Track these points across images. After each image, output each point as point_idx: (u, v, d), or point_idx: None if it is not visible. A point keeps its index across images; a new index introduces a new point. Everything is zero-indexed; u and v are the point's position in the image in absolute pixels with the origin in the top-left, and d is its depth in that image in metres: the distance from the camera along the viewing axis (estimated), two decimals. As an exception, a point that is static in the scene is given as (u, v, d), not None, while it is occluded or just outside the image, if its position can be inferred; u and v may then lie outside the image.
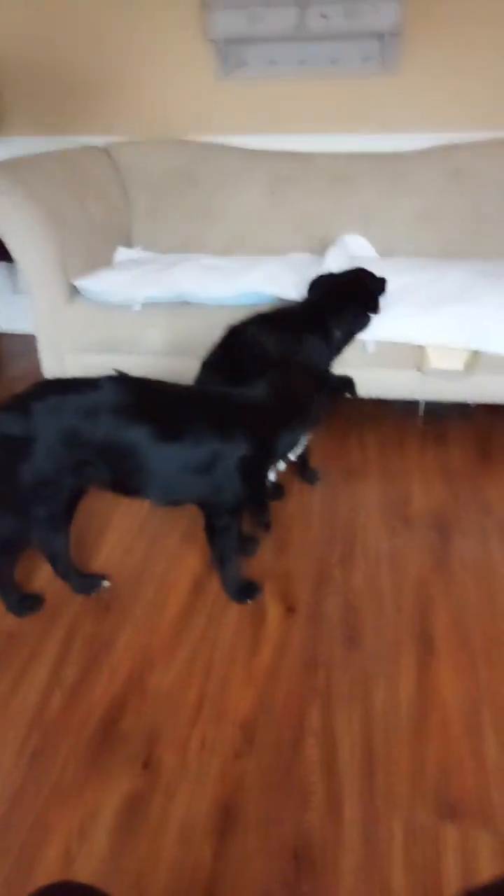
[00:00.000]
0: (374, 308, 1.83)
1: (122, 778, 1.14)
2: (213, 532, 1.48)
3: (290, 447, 1.48)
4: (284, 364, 1.55)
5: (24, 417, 1.27)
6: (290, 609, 1.50)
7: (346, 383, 1.54)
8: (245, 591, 1.52)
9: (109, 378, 1.33)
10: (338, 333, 1.74)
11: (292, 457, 1.50)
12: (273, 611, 1.49)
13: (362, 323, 1.82)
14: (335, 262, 2.08)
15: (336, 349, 1.78)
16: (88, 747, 1.19)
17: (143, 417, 1.31)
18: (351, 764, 1.16)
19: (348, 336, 1.80)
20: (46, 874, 1.00)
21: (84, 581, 1.55)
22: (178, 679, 1.33)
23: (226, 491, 1.38)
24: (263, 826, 1.07)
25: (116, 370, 1.36)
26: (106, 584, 1.56)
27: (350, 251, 2.27)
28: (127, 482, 1.38)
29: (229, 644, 1.41)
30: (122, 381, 1.34)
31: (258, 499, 1.57)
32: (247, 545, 1.66)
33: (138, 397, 1.33)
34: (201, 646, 1.40)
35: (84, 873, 1.00)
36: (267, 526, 1.66)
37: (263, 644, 1.40)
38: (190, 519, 1.71)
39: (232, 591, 1.52)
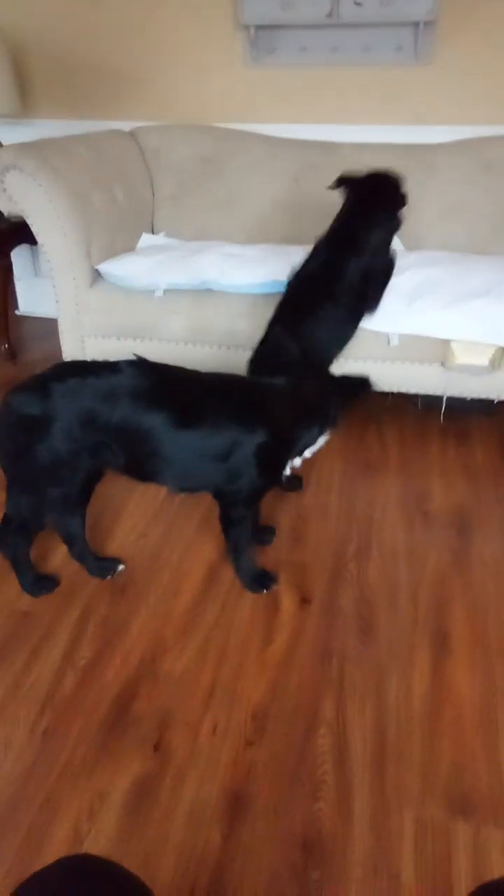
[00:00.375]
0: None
1: (133, 760, 1.14)
2: (227, 522, 1.47)
3: (308, 444, 1.46)
4: (303, 361, 1.53)
5: (42, 398, 1.28)
6: (304, 600, 1.49)
7: (362, 383, 1.52)
8: (260, 580, 1.51)
9: (129, 362, 1.33)
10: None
11: (308, 454, 1.49)
12: (287, 601, 1.48)
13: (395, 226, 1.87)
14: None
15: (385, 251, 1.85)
16: (100, 728, 1.20)
17: (161, 403, 1.31)
18: (363, 756, 1.15)
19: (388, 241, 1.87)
20: (56, 852, 1.00)
21: (99, 564, 1.55)
22: (190, 665, 1.32)
23: (242, 479, 1.37)
24: (273, 813, 1.06)
25: (136, 355, 1.36)
26: (121, 567, 1.56)
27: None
28: (142, 467, 1.38)
29: (243, 632, 1.40)
30: (141, 365, 1.34)
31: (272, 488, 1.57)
32: (263, 535, 1.66)
33: (157, 382, 1.33)
34: (215, 633, 1.40)
35: (92, 852, 1.00)
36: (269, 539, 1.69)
37: (277, 634, 1.40)
38: (206, 506, 1.71)
39: (246, 580, 1.51)
